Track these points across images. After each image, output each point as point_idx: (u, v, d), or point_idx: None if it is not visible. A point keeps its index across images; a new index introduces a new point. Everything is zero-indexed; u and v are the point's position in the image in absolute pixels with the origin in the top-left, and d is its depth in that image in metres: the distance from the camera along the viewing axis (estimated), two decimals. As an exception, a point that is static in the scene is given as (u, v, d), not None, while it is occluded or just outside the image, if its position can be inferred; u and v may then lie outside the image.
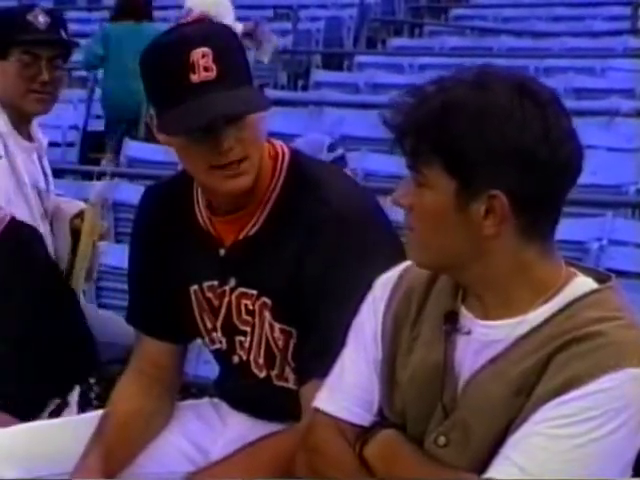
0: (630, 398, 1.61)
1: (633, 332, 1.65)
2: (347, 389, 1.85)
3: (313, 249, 2.05)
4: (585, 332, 1.63)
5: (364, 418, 1.84)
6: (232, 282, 2.16)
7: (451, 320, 1.74)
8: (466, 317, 1.74)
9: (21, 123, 3.02)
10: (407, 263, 1.85)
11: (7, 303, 2.61)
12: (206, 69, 1.98)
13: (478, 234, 1.66)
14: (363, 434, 1.82)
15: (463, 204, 1.65)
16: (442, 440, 1.72)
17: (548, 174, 1.64)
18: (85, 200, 3.10)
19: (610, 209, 5.24)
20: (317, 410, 1.87)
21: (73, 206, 3.06)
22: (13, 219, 2.73)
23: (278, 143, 2.18)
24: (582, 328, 1.63)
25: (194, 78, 1.98)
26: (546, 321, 1.67)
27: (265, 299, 2.13)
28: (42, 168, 3.10)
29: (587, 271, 1.75)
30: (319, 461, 1.84)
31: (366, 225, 2.07)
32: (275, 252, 2.10)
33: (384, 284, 1.86)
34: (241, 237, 2.14)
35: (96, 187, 3.09)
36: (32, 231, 2.80)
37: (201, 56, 1.97)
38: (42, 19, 2.96)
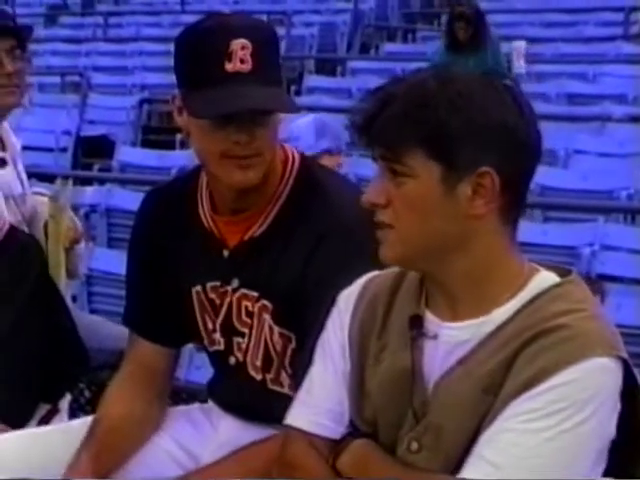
0: (597, 388, 1.61)
1: (597, 323, 1.65)
2: (317, 403, 1.84)
3: (318, 255, 2.05)
4: (550, 325, 1.63)
5: (335, 431, 1.83)
6: (235, 283, 2.16)
7: (416, 325, 1.74)
8: (432, 322, 1.73)
9: None
10: (369, 275, 1.85)
11: (2, 310, 2.60)
12: (242, 61, 1.99)
13: (464, 216, 1.65)
14: (336, 446, 1.81)
15: (451, 187, 1.64)
16: (415, 446, 1.71)
17: (524, 153, 1.67)
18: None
19: (602, 214, 5.25)
20: (288, 426, 1.87)
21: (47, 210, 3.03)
22: (12, 226, 2.72)
23: (289, 148, 2.19)
24: (547, 322, 1.64)
25: (229, 67, 1.99)
26: (512, 318, 1.67)
27: (265, 302, 2.13)
28: (17, 173, 3.07)
29: (548, 267, 1.75)
30: (294, 476, 1.82)
31: (372, 233, 2.07)
32: (280, 255, 2.10)
33: (347, 297, 1.86)
34: (246, 238, 2.14)
35: (53, 193, 3.04)
36: (30, 238, 2.79)
37: (240, 47, 1.99)
38: None
